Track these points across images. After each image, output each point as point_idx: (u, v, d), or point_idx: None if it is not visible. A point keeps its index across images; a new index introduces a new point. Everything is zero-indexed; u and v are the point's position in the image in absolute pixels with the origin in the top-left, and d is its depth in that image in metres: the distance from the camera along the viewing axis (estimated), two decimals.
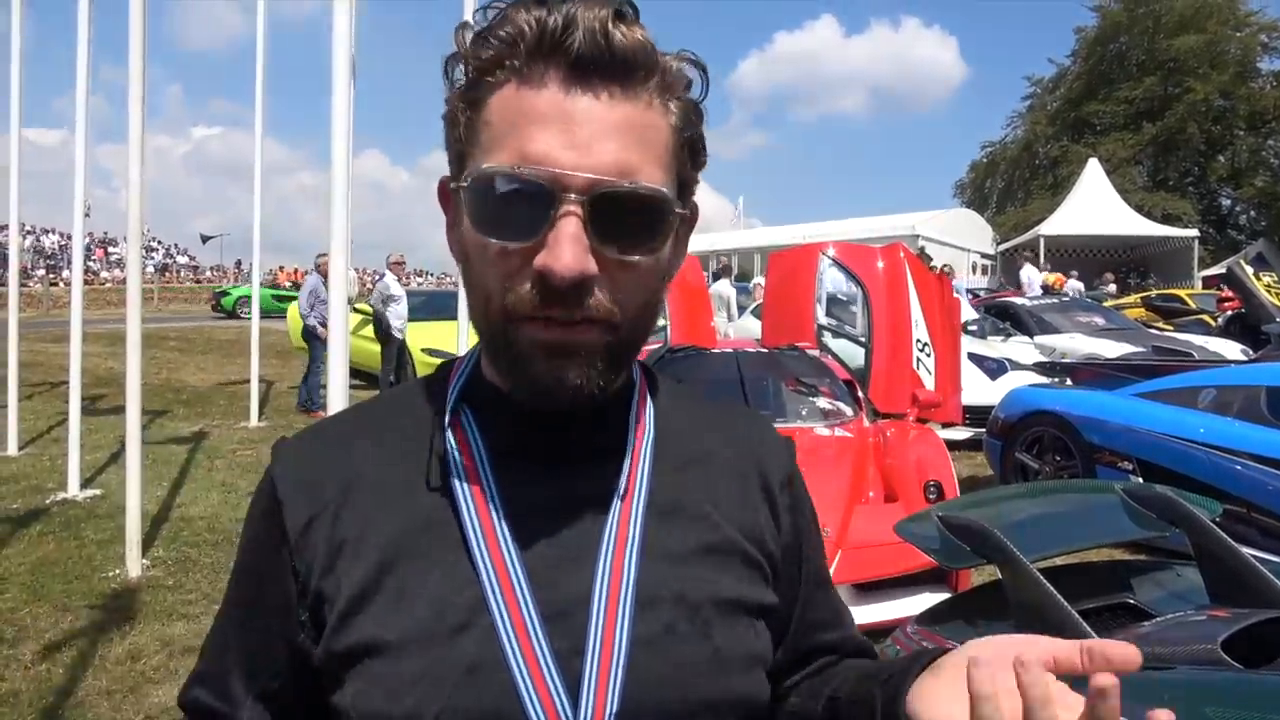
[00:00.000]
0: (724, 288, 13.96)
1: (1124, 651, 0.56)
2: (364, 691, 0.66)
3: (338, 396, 3.78)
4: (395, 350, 10.83)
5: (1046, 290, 15.08)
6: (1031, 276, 17.62)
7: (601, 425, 0.75)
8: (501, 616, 0.66)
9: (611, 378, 0.69)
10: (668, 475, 0.75)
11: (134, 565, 4.81)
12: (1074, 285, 18.07)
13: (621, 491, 0.72)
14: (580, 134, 0.63)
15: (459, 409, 0.74)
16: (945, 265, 15.47)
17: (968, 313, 10.59)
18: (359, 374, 10.87)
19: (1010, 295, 15.01)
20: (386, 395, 0.83)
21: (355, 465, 0.73)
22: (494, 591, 0.66)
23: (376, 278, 10.53)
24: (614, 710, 0.65)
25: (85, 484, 6.55)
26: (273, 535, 0.73)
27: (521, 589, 0.67)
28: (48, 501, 6.25)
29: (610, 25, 0.63)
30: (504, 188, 0.63)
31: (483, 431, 0.73)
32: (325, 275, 9.92)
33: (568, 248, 0.62)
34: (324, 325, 10.24)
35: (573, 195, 0.62)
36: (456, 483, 0.70)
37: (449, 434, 0.72)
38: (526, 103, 0.64)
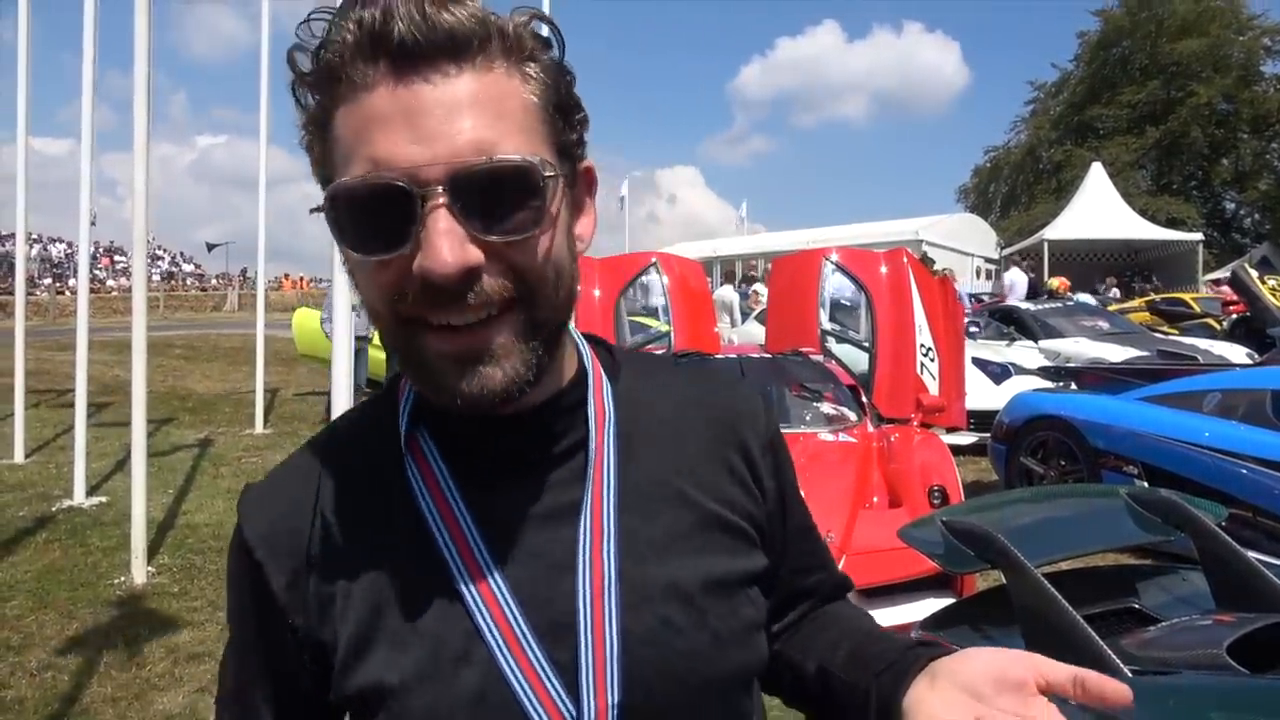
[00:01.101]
0: (727, 293, 13.98)
1: (1117, 690, 0.57)
2: None
3: (341, 405, 3.79)
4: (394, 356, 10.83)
5: (1051, 295, 15.02)
6: (1015, 280, 16.94)
7: (558, 420, 0.72)
8: (497, 642, 0.66)
9: (535, 365, 0.65)
10: (638, 460, 0.73)
11: (139, 572, 4.82)
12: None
13: (589, 487, 0.71)
14: (424, 124, 0.59)
15: (414, 432, 0.72)
16: (946, 269, 15.36)
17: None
18: (374, 383, 10.90)
19: (998, 301, 15.01)
20: (340, 424, 0.80)
21: (324, 510, 0.72)
22: (485, 619, 0.66)
23: None
24: (616, 704, 0.66)
25: (91, 491, 6.56)
26: (259, 595, 0.72)
27: (511, 610, 0.66)
28: (54, 509, 6.26)
29: (427, 5, 0.58)
30: (360, 199, 0.59)
31: (441, 450, 0.71)
32: None
33: (442, 243, 0.58)
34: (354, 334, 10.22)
35: (431, 187, 0.58)
36: (426, 511, 0.69)
37: (409, 460, 0.71)
38: (364, 107, 0.60)
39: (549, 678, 0.65)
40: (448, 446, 0.72)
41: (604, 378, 0.76)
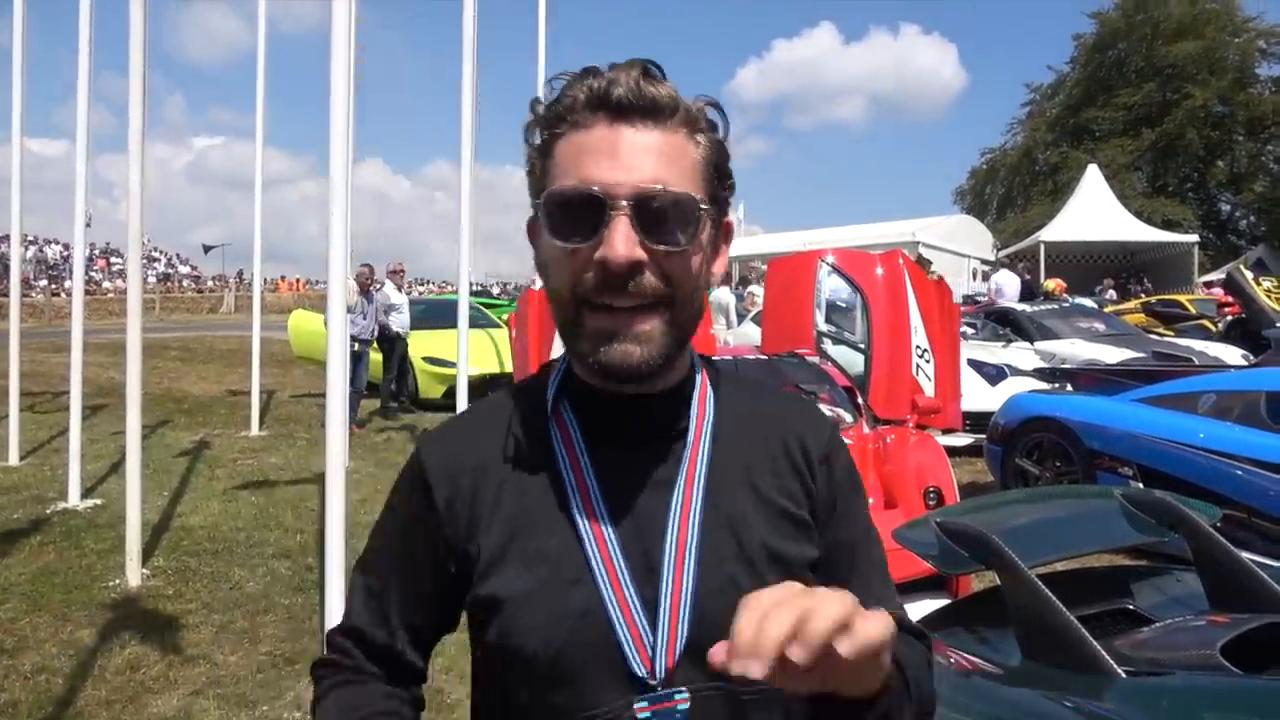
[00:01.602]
0: (723, 295, 13.96)
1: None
2: (503, 632, 0.86)
3: (337, 406, 3.78)
4: (397, 359, 10.83)
5: (1046, 296, 15.00)
6: (1003, 283, 16.07)
7: (669, 410, 0.92)
8: (601, 574, 0.85)
9: (668, 355, 0.85)
10: (724, 452, 0.92)
11: (134, 575, 4.81)
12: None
13: (685, 465, 0.90)
14: (622, 157, 0.81)
15: (559, 402, 0.93)
16: (938, 274, 15.20)
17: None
18: (373, 386, 10.91)
19: (987, 304, 15.00)
20: (499, 394, 1.01)
21: (483, 454, 0.93)
22: (594, 554, 0.86)
23: (375, 287, 10.56)
24: (683, 645, 0.84)
25: (86, 494, 6.55)
26: (424, 509, 0.93)
27: (615, 550, 0.86)
28: (48, 511, 6.25)
29: (641, 79, 0.82)
30: (567, 200, 0.82)
31: (578, 419, 0.92)
32: (364, 287, 9.96)
33: (619, 239, 0.80)
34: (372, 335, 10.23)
35: (620, 201, 0.80)
36: (561, 464, 0.90)
37: (552, 423, 0.92)
38: (581, 141, 0.83)
39: (636, 608, 0.84)
40: (584, 417, 0.92)
41: (708, 385, 0.96)
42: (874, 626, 0.63)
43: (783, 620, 0.61)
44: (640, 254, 0.80)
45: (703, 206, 0.84)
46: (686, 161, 0.85)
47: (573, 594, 0.85)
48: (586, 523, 0.87)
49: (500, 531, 0.88)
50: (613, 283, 0.81)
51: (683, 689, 0.83)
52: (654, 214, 0.81)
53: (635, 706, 0.83)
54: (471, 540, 0.89)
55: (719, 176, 0.89)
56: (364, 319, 9.66)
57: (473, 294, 9.03)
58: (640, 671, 0.83)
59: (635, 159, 0.82)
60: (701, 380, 0.96)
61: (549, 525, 0.88)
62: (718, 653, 0.62)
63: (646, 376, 0.85)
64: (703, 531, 0.87)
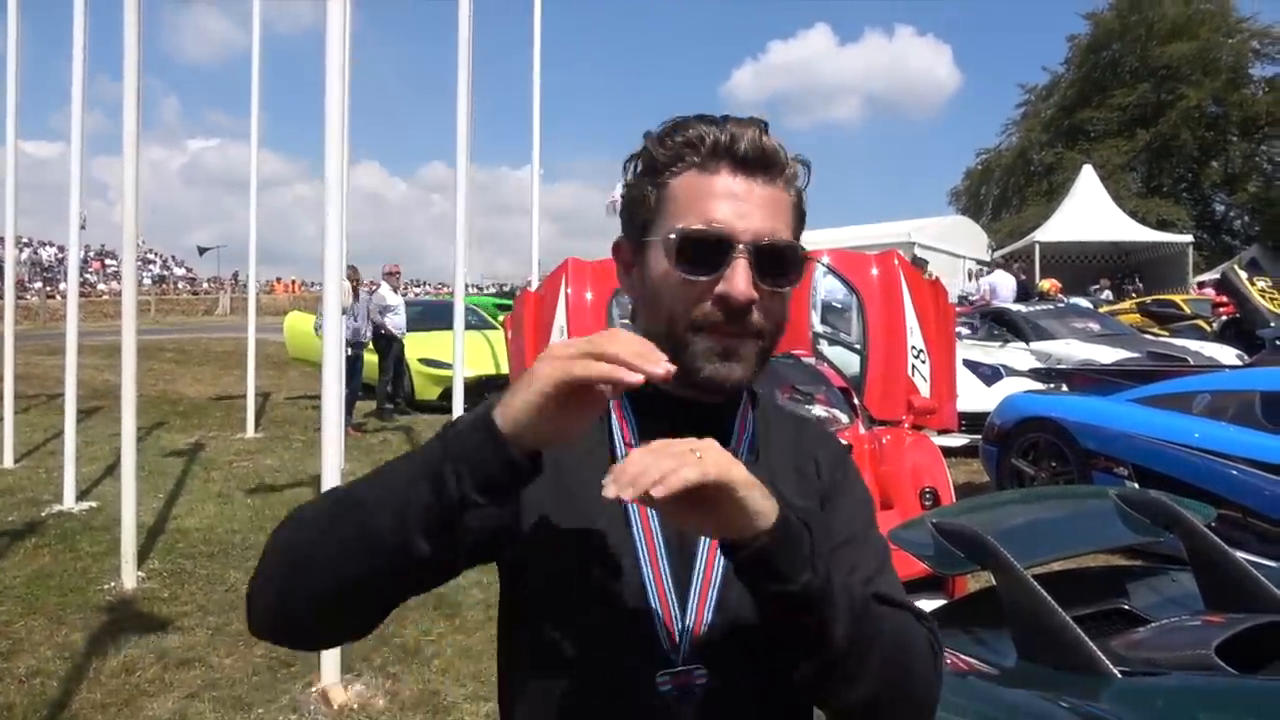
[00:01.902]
0: None
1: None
2: (542, 596, 0.94)
3: (333, 408, 3.78)
4: (392, 361, 10.82)
5: (1042, 296, 15.02)
6: (997, 283, 16.02)
7: (720, 422, 1.00)
8: (642, 547, 0.94)
9: (756, 376, 0.96)
10: (758, 458, 1.01)
11: (129, 577, 4.80)
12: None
13: None
14: (744, 206, 0.91)
15: (621, 402, 1.01)
16: (934, 275, 15.17)
17: None
18: (368, 388, 10.90)
19: (981, 304, 15.01)
20: None
21: None
22: (639, 534, 0.94)
23: (373, 288, 10.54)
24: (708, 625, 0.92)
25: (81, 496, 6.53)
26: None
27: (656, 530, 0.95)
28: (43, 514, 6.23)
29: (761, 138, 0.93)
30: (699, 239, 0.91)
31: (638, 419, 1.00)
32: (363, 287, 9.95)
33: (742, 279, 0.89)
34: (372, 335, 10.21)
35: (741, 245, 0.90)
36: (619, 450, 0.98)
37: (613, 415, 1.00)
38: (706, 185, 0.92)
39: (669, 582, 0.93)
40: (640, 412, 1.01)
41: (750, 405, 1.05)
42: (717, 466, 0.73)
43: (662, 464, 0.72)
44: (755, 293, 0.90)
45: (804, 254, 0.96)
46: (787, 213, 0.95)
47: (615, 564, 0.93)
48: (633, 507, 0.93)
49: (552, 500, 0.95)
50: (733, 315, 0.90)
51: (702, 667, 0.91)
52: (769, 259, 0.91)
53: (657, 679, 0.90)
54: (536, 503, 0.95)
55: (799, 224, 0.99)
56: (354, 320, 9.63)
57: (495, 295, 9.01)
58: (665, 645, 0.91)
59: (755, 209, 0.92)
60: (746, 400, 1.05)
61: (599, 500, 0.90)
62: (607, 484, 0.72)
63: (737, 393, 0.97)
64: None
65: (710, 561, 0.94)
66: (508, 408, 0.78)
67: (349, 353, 9.60)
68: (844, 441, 1.00)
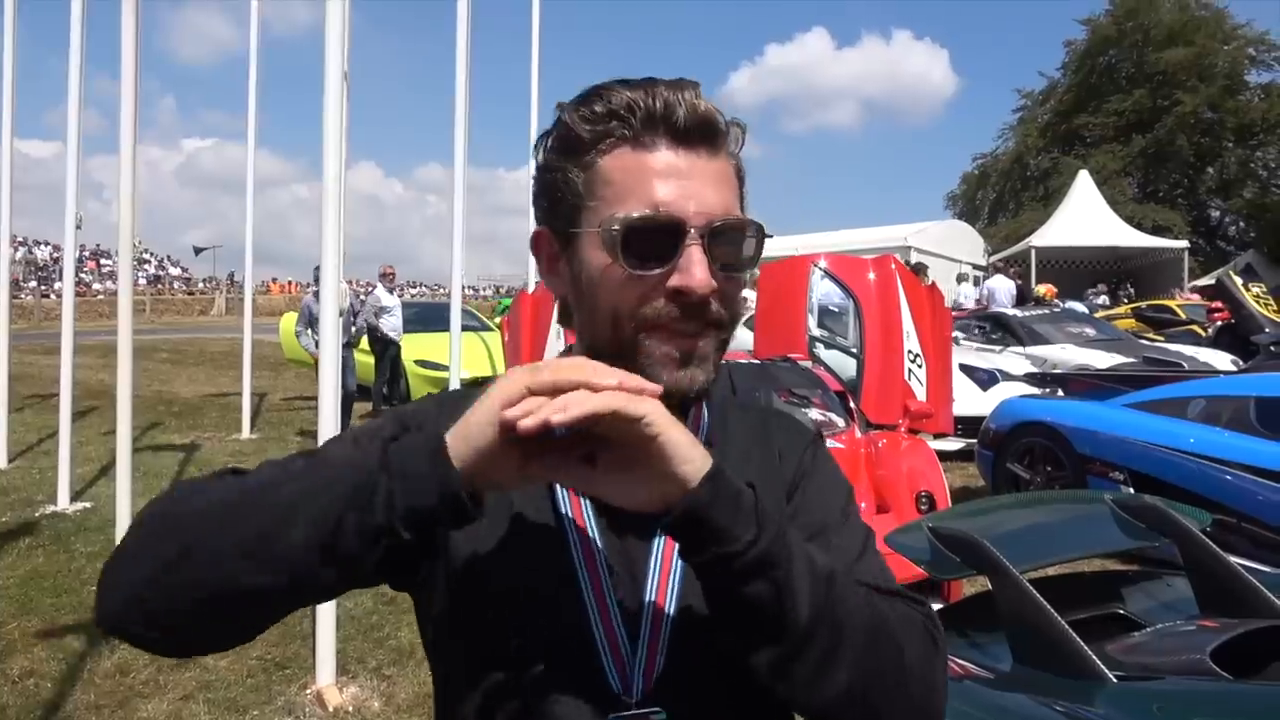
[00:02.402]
0: None
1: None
2: (474, 633, 0.82)
3: (329, 409, 3.77)
4: (389, 363, 10.80)
5: (1038, 301, 15.06)
6: (994, 288, 15.82)
7: None
8: (584, 579, 0.82)
9: (715, 376, 0.85)
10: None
11: None
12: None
13: None
14: (691, 184, 0.80)
15: None
16: (932, 280, 15.13)
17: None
18: (363, 389, 10.88)
19: (980, 308, 15.04)
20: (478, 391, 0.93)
21: None
22: (578, 559, 0.83)
23: (369, 289, 10.52)
24: (662, 663, 0.81)
25: (75, 497, 6.52)
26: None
27: (600, 556, 0.83)
28: (37, 514, 6.22)
29: (699, 102, 0.81)
30: (645, 227, 0.79)
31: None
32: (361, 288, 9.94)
33: (700, 268, 0.79)
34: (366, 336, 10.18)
35: (693, 230, 0.79)
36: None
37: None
38: (643, 163, 0.81)
39: (617, 619, 0.81)
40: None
41: (703, 400, 0.93)
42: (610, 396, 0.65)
43: (563, 387, 0.65)
44: (714, 283, 0.80)
45: (764, 232, 0.85)
46: (734, 187, 0.85)
47: (556, 597, 0.81)
48: (575, 533, 0.84)
49: (495, 524, 0.84)
50: (691, 311, 0.80)
51: (659, 709, 0.79)
52: (723, 244, 0.81)
53: None
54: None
55: (743, 193, 0.89)
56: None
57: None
58: (616, 687, 0.80)
59: (703, 186, 0.81)
60: (697, 406, 0.94)
61: (534, 527, 0.85)
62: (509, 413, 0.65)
63: (699, 395, 0.84)
64: None
65: (662, 587, 0.83)
66: (465, 436, 0.68)
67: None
68: (810, 427, 1.03)
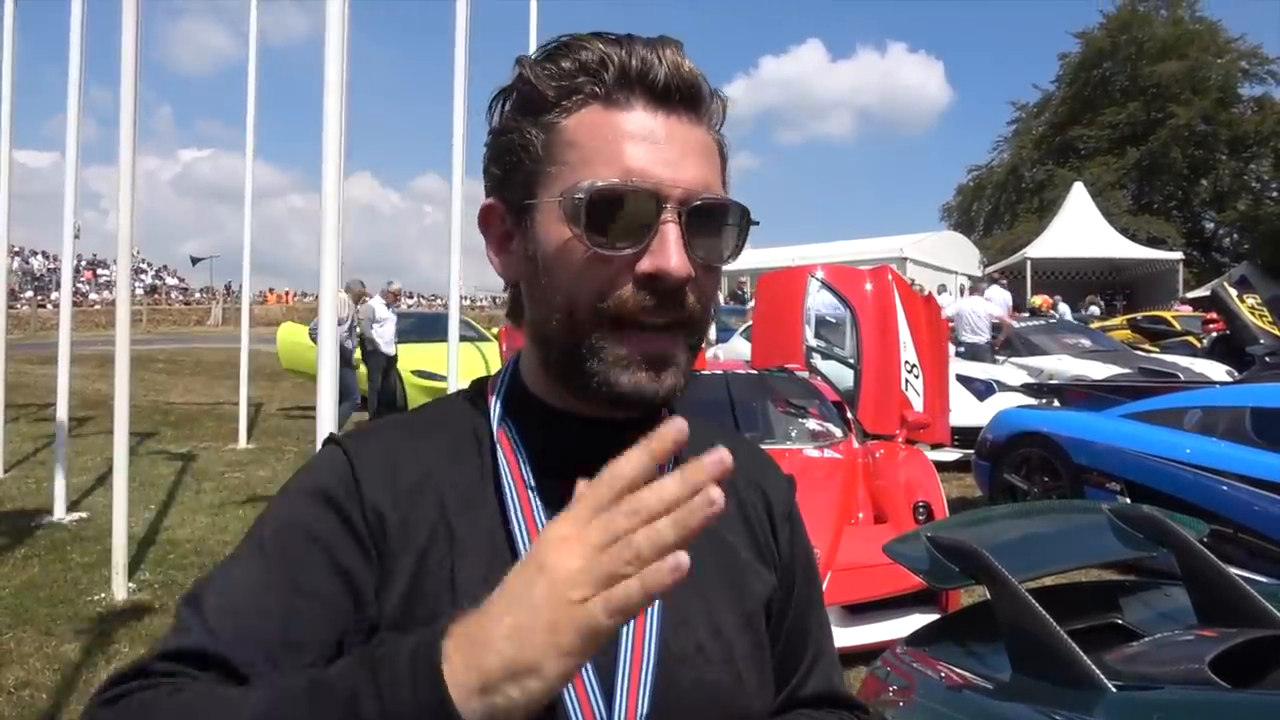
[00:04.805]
0: None
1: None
2: None
3: (326, 419, 3.77)
4: (380, 375, 10.76)
5: (1034, 312, 15.11)
6: (993, 298, 15.02)
7: (628, 440, 0.74)
8: None
9: (685, 384, 0.73)
10: None
11: (120, 589, 4.77)
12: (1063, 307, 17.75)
13: None
14: (669, 152, 0.69)
15: (504, 424, 0.78)
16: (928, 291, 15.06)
17: None
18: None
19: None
20: (432, 406, 0.84)
21: (426, 461, 0.76)
22: None
23: (365, 299, 10.54)
24: (644, 713, 0.70)
25: (71, 507, 6.49)
26: (345, 509, 0.72)
27: None
28: (33, 524, 6.19)
29: (682, 61, 0.71)
30: (616, 197, 0.68)
31: (526, 446, 0.76)
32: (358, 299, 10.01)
33: (676, 250, 0.67)
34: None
35: (670, 204, 0.68)
36: (508, 496, 0.74)
37: (499, 449, 0.76)
38: (616, 124, 0.69)
39: (588, 677, 0.69)
40: (530, 441, 0.76)
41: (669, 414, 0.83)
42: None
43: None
44: (691, 269, 0.69)
45: (750, 218, 0.74)
46: (717, 160, 0.74)
47: None
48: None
49: (435, 556, 0.72)
50: (664, 300, 0.69)
51: None
52: (704, 226, 0.70)
53: None
54: (400, 556, 0.71)
55: (724, 175, 0.77)
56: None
57: None
58: None
59: (683, 156, 0.70)
60: (663, 415, 0.80)
61: (488, 559, 0.71)
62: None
63: (667, 405, 0.73)
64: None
65: (639, 640, 0.71)
66: (490, 683, 0.51)
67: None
68: (782, 471, 0.90)
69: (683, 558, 0.50)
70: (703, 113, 0.73)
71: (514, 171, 0.73)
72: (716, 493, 0.51)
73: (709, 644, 0.74)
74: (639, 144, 0.69)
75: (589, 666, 0.68)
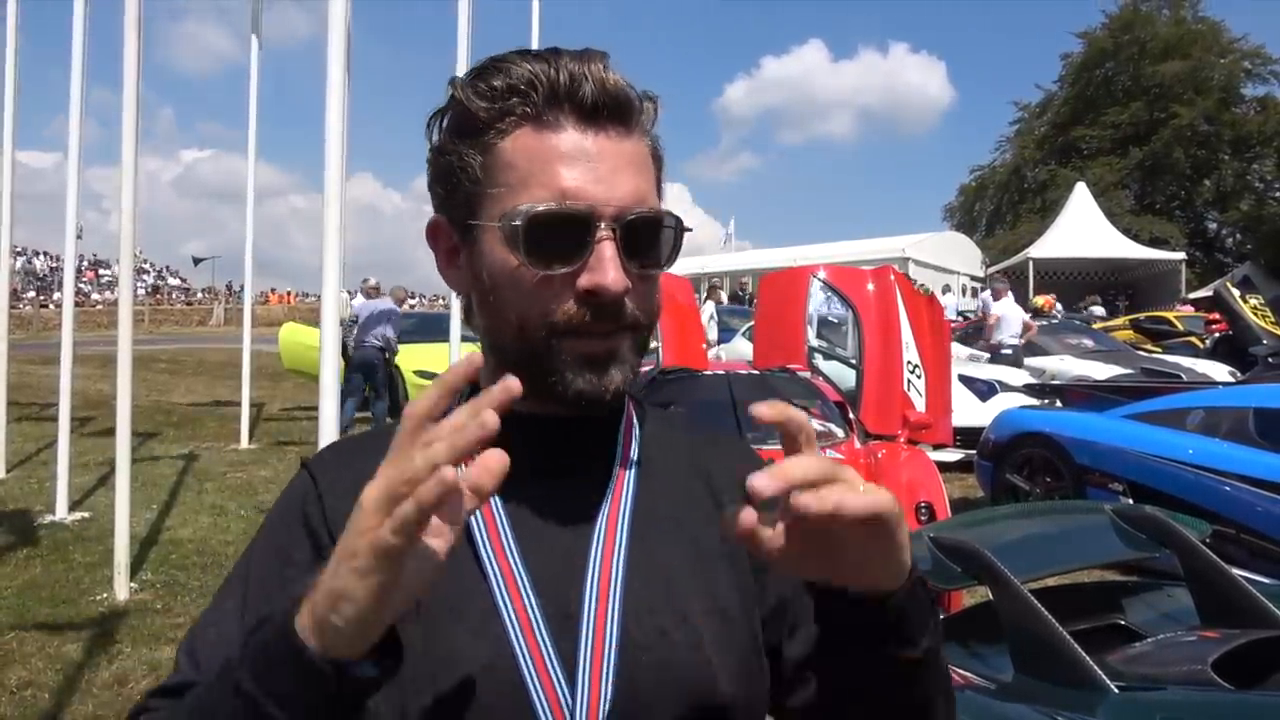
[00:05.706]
0: (708, 308, 14.01)
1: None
2: (390, 688, 0.67)
3: (328, 419, 3.77)
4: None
5: (1036, 313, 15.09)
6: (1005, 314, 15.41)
7: (593, 435, 0.81)
8: (511, 621, 0.72)
9: (633, 378, 0.77)
10: (652, 488, 0.81)
11: (122, 589, 4.77)
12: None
13: (609, 499, 0.79)
14: (601, 169, 0.72)
15: None
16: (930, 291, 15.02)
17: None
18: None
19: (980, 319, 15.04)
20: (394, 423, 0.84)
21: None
22: (504, 598, 0.73)
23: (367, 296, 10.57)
24: (606, 708, 0.71)
25: (73, 507, 6.50)
26: (312, 521, 0.77)
27: (526, 594, 0.73)
28: (35, 524, 6.19)
29: (607, 75, 0.73)
30: (550, 221, 0.71)
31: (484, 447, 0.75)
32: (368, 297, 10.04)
33: (612, 267, 0.71)
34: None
35: (604, 223, 0.72)
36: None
37: None
38: (547, 145, 0.73)
39: (551, 663, 0.71)
40: (494, 442, 0.74)
41: (634, 416, 0.86)
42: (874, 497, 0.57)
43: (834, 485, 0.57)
44: (628, 280, 0.73)
45: (683, 225, 0.78)
46: (650, 170, 0.77)
47: (477, 644, 0.71)
48: (495, 563, 0.74)
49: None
50: (603, 313, 0.73)
51: None
52: (639, 238, 0.73)
53: None
54: None
55: (660, 178, 0.80)
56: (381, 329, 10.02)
57: None
58: None
59: (614, 173, 0.73)
60: (627, 411, 0.86)
61: (451, 566, 0.68)
62: (762, 479, 0.57)
63: (619, 401, 0.78)
64: (628, 575, 0.75)
65: (600, 626, 0.73)
66: (319, 618, 0.57)
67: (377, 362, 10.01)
68: (757, 455, 0.91)
69: (447, 471, 0.52)
70: (633, 124, 0.75)
71: (455, 192, 0.77)
72: (491, 416, 0.54)
73: (674, 630, 0.75)
74: (572, 165, 0.72)
75: (552, 652, 0.71)
